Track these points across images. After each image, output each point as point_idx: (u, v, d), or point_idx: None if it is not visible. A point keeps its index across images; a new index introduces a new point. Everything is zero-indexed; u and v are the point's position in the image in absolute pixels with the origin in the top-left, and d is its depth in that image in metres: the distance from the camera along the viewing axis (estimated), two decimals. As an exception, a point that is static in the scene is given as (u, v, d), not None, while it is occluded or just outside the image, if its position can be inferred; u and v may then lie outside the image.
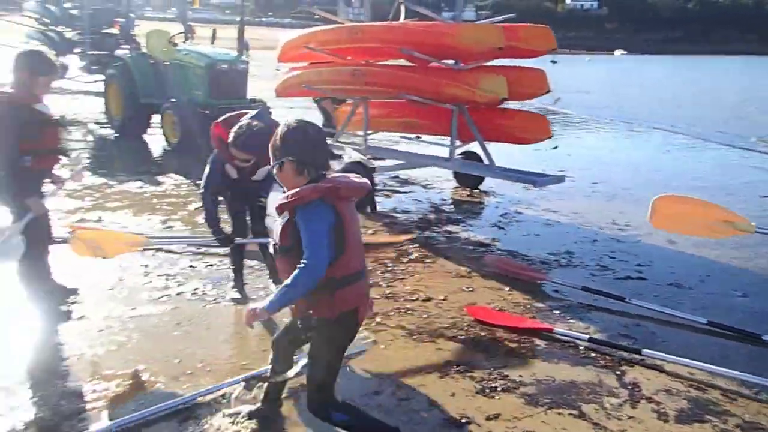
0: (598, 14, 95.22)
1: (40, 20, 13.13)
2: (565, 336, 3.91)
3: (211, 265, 4.95)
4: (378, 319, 4.07)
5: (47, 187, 4.13)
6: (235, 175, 4.10)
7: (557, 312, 4.31)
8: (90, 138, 10.80)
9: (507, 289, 4.68)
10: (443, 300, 4.45)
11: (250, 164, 4.05)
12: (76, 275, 4.54)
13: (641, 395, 3.30)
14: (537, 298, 4.53)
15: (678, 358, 3.59)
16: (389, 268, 5.01)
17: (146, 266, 4.89)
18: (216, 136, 4.04)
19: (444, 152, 7.30)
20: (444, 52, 6.14)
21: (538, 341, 3.87)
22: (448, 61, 6.50)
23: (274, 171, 2.56)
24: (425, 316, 4.18)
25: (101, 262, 4.84)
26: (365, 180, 2.64)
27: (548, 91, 6.33)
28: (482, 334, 3.94)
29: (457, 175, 7.88)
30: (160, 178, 7.81)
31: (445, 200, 7.35)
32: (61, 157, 4.14)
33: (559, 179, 6.46)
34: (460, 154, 7.52)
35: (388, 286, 4.66)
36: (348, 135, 7.97)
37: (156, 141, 10.43)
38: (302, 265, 2.36)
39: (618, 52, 71.98)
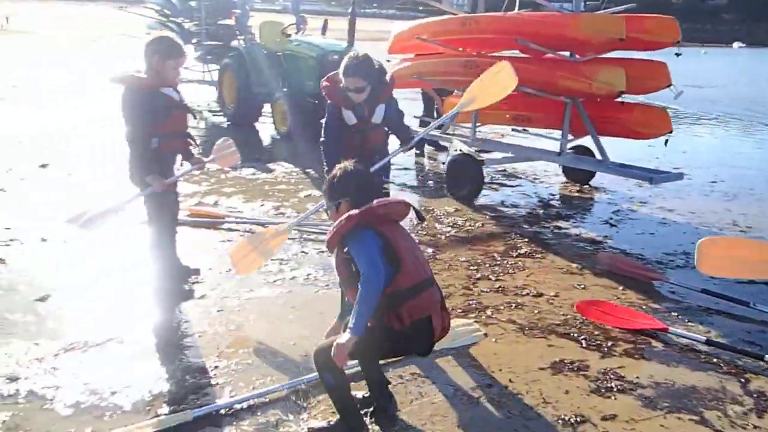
0: (715, 4, 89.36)
1: (161, 12, 13.88)
2: (682, 337, 3.76)
3: (322, 252, 5.10)
4: (488, 312, 4.07)
5: (181, 167, 4.36)
6: (354, 120, 3.86)
7: (675, 314, 4.15)
8: (203, 125, 11.38)
9: (621, 288, 4.54)
10: (554, 296, 4.38)
11: (364, 96, 3.78)
12: (195, 256, 4.81)
13: (768, 405, 3.14)
14: (653, 299, 4.37)
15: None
16: (498, 262, 4.99)
17: (263, 249, 5.12)
18: (325, 86, 3.89)
19: (554, 146, 7.16)
20: (562, 43, 6.00)
21: (654, 342, 3.74)
22: (563, 53, 6.36)
23: (329, 212, 2.80)
24: (536, 311, 4.13)
25: (217, 245, 5.14)
26: (403, 200, 2.80)
27: (670, 85, 6.05)
28: (596, 332, 3.85)
29: (567, 170, 7.69)
30: (271, 166, 8.11)
31: (554, 195, 7.20)
32: (189, 140, 4.36)
33: (678, 176, 6.17)
34: (570, 149, 7.35)
35: (497, 280, 4.64)
36: (454, 127, 7.97)
37: (266, 129, 10.85)
38: (362, 280, 2.50)
39: (736, 44, 67.41)
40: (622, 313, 4.02)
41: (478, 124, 7.47)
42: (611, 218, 6.27)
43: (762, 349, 3.68)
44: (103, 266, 4.64)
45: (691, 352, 3.64)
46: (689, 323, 4.01)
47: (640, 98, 7.54)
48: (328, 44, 9.95)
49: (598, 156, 6.43)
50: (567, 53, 6.36)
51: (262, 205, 6.35)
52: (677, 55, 5.97)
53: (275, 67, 10.35)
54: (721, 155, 9.91)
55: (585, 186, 7.46)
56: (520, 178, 7.88)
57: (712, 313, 4.19)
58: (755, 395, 3.23)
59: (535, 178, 7.85)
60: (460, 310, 4.09)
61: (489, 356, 3.55)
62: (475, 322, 3.93)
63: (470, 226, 5.89)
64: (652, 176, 5.92)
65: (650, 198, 7.01)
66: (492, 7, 7.37)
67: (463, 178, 6.65)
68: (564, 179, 7.75)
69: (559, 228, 5.94)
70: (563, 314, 4.09)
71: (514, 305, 4.21)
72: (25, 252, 4.87)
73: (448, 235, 5.62)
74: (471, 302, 4.22)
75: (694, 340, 3.72)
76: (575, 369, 3.43)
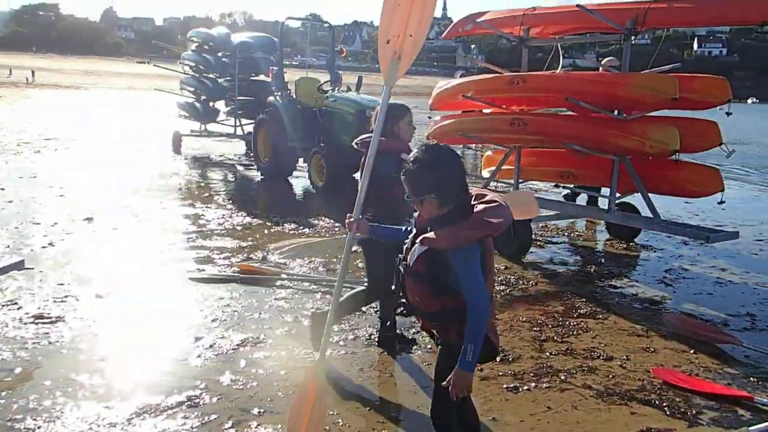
0: (728, 61, 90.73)
1: (196, 68, 14.24)
2: (769, 407, 3.63)
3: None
4: (562, 377, 3.97)
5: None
6: None
7: (754, 379, 4.01)
8: (234, 177, 11.49)
9: (692, 351, 4.43)
10: (626, 359, 4.27)
11: None
12: (255, 316, 4.76)
13: None
14: (728, 363, 4.25)
15: None
16: (560, 322, 4.89)
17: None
18: (381, 142, 3.39)
19: (601, 203, 7.17)
20: (613, 102, 6.04)
21: (741, 410, 3.61)
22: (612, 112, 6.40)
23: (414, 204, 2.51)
24: (611, 376, 4.02)
25: (273, 303, 5.09)
26: (505, 206, 2.44)
27: (721, 144, 6.05)
28: (677, 399, 3.73)
29: (611, 227, 7.64)
30: (312, 220, 8.13)
31: (601, 252, 7.14)
32: None
33: (733, 235, 6.09)
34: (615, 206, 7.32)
35: (563, 341, 4.54)
36: (495, 183, 7.98)
37: (300, 183, 10.95)
38: (471, 309, 2.34)
39: (750, 100, 68.04)
40: (703, 383, 3.90)
41: (520, 180, 7.50)
42: (665, 277, 6.18)
43: None
44: (159, 323, 4.61)
45: (782, 422, 3.51)
46: (772, 390, 3.89)
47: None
48: (365, 99, 10.12)
49: (646, 213, 6.38)
50: (615, 112, 6.40)
51: (310, 262, 6.32)
52: (728, 114, 5.99)
53: (312, 122, 10.52)
54: (761, 212, 9.85)
55: (631, 243, 7.39)
56: (564, 235, 7.83)
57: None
58: None
59: (579, 236, 7.80)
60: (531, 374, 3.99)
61: (572, 424, 3.44)
62: (550, 387, 3.83)
63: (524, 284, 5.81)
64: (709, 235, 5.85)
65: (699, 256, 6.93)
66: (499, 63, 7.51)
67: (511, 236, 6.61)
68: (608, 236, 7.69)
69: (615, 287, 5.85)
70: (639, 379, 3.98)
71: (586, 369, 4.10)
72: (81, 309, 4.85)
73: (503, 293, 5.54)
74: (542, 366, 4.12)
75: (785, 409, 3.60)
76: (664, 440, 3.31)
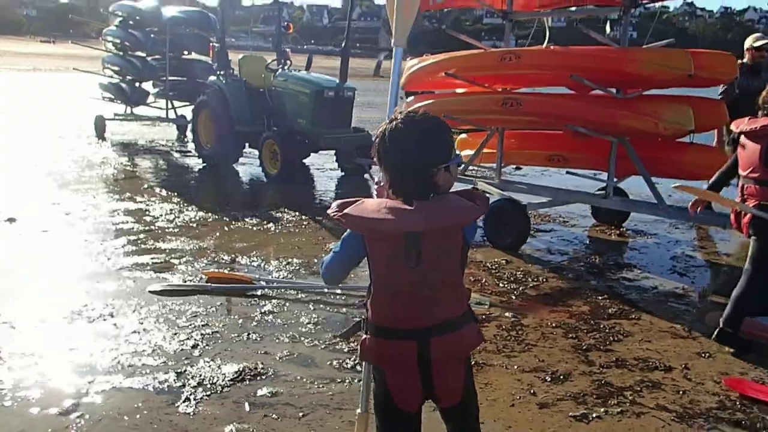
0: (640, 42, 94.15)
1: (121, 45, 12.83)
2: None
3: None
4: (629, 396, 3.40)
5: None
6: None
7: (830, 387, 3.59)
8: (170, 166, 10.37)
9: (754, 354, 3.97)
10: (686, 369, 3.76)
11: None
12: (252, 347, 3.94)
13: None
14: (790, 368, 3.82)
15: None
16: (594, 326, 4.34)
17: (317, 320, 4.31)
18: None
19: (589, 187, 6.72)
20: (621, 80, 5.52)
21: (841, 428, 3.16)
22: (611, 90, 5.89)
23: (443, 171, 1.87)
24: (681, 392, 3.48)
25: (261, 319, 4.30)
26: None
27: (729, 122, 5.66)
28: (763, 416, 3.24)
29: (599, 213, 7.20)
30: (274, 213, 7.27)
31: (596, 241, 6.67)
32: None
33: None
34: (598, 190, 6.89)
35: (607, 350, 3.98)
36: (477, 168, 7.40)
37: (249, 171, 9.99)
38: None
39: None
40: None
41: (503, 165, 6.93)
42: (674, 266, 5.76)
43: None
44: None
45: None
46: None
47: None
48: (321, 79, 9.27)
49: (654, 199, 5.93)
50: (614, 90, 5.90)
51: (287, 263, 5.51)
52: (736, 91, 5.62)
53: (260, 104, 9.57)
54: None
55: (627, 230, 6.96)
56: (550, 221, 7.32)
57: None
58: None
59: (565, 222, 7.32)
60: (594, 396, 3.40)
61: (667, 461, 2.87)
62: (623, 412, 3.25)
63: (533, 281, 5.24)
64: (725, 222, 5.46)
65: (697, 242, 6.58)
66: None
67: (507, 226, 6.03)
68: (593, 222, 7.25)
69: (629, 280, 5.37)
70: (713, 393, 3.47)
71: (650, 385, 3.55)
72: (17, 343, 3.88)
73: (517, 293, 4.95)
74: (600, 383, 3.54)
75: None
76: (783, 474, 2.80)
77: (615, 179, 6.14)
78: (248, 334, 4.06)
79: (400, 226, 1.79)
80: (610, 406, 3.31)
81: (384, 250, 1.86)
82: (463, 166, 7.22)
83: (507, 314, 4.52)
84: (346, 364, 3.70)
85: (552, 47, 6.06)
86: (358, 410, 2.49)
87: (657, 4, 6.38)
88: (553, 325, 4.36)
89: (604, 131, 5.65)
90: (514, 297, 4.87)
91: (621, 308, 4.69)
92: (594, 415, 3.21)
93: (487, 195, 2.13)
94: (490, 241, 6.19)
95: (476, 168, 7.63)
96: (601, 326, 4.35)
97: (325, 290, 4.87)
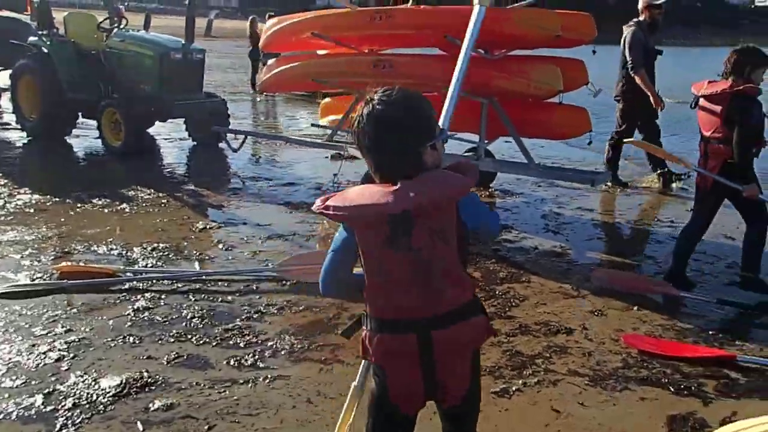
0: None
1: None
2: (754, 363, 3.45)
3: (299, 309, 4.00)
4: (541, 365, 3.39)
5: None
6: None
7: (712, 332, 3.83)
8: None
9: (635, 308, 4.15)
10: (585, 329, 3.84)
11: None
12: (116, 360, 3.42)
13: None
14: (676, 317, 4.04)
15: None
16: (490, 293, 4.31)
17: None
18: None
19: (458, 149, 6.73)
20: (496, 40, 5.47)
21: (732, 373, 3.37)
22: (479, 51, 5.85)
23: (429, 149, 1.73)
24: (586, 354, 3.54)
25: (135, 319, 3.78)
26: None
27: (587, 83, 5.88)
28: (668, 371, 3.37)
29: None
30: (125, 192, 6.50)
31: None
32: None
33: (607, 175, 6.04)
34: (466, 152, 6.94)
35: (508, 317, 3.97)
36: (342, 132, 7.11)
37: (84, 144, 8.90)
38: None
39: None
40: (679, 347, 3.62)
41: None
42: (547, 224, 5.92)
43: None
44: None
45: (773, 379, 3.34)
46: (738, 342, 3.73)
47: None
48: (165, 39, 8.40)
49: (525, 159, 6.05)
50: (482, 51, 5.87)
51: (153, 249, 4.92)
52: (594, 52, 5.83)
53: (94, 69, 8.49)
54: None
55: (496, 191, 7.08)
56: None
57: (751, 327, 3.98)
58: None
59: (435, 185, 7.30)
60: (509, 368, 3.34)
61: (597, 429, 2.88)
62: (539, 382, 3.23)
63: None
64: (593, 178, 5.71)
65: (560, 199, 6.81)
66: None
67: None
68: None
69: (510, 242, 5.42)
70: (616, 352, 3.56)
71: (557, 350, 3.56)
72: None
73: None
74: (511, 353, 3.50)
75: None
76: (698, 427, 2.91)
77: (485, 141, 6.17)
78: (124, 338, 3.54)
79: (384, 208, 1.66)
80: (526, 377, 3.28)
81: (373, 238, 1.72)
82: (331, 132, 6.95)
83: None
84: (246, 360, 3.34)
85: (422, 6, 5.88)
86: (354, 383, 2.19)
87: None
88: (452, 295, 4.26)
89: (479, 93, 5.61)
90: (405, 268, 4.72)
91: (510, 272, 4.72)
92: (514, 389, 3.16)
93: (469, 161, 2.00)
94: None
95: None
96: (497, 292, 4.34)
97: (204, 277, 4.40)
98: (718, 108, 4.01)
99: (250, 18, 16.83)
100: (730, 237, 5.39)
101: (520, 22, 5.28)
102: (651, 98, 6.60)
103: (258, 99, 14.85)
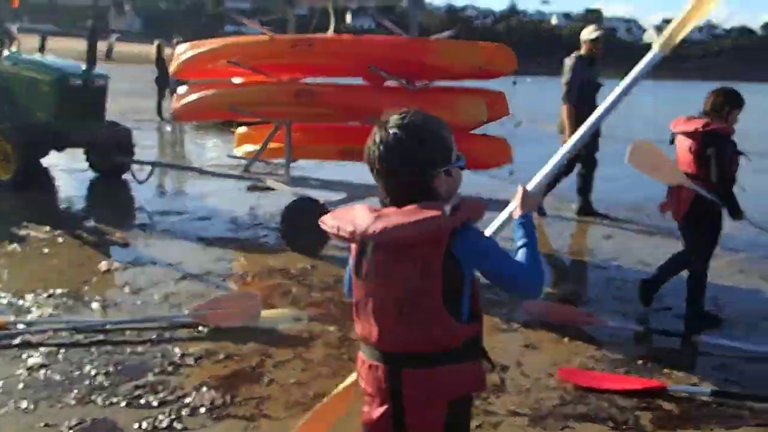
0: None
1: None
2: (684, 392, 3.46)
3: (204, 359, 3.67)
4: (477, 404, 3.24)
5: None
6: None
7: (641, 362, 3.84)
8: None
9: (567, 340, 4.11)
10: (519, 365, 3.74)
11: None
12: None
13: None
14: (607, 348, 4.01)
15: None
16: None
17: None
18: None
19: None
20: (420, 71, 5.41)
21: (667, 404, 3.35)
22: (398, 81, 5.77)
23: (443, 175, 1.70)
24: (523, 391, 3.44)
25: (28, 380, 3.36)
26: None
27: (509, 114, 5.93)
28: (605, 405, 3.32)
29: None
30: (18, 230, 5.92)
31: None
32: None
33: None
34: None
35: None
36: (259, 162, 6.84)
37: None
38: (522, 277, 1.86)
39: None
40: (612, 379, 3.59)
41: (292, 160, 6.49)
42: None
43: (742, 384, 3.57)
44: None
45: (705, 408, 3.34)
46: (666, 370, 3.74)
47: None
48: (64, 65, 7.85)
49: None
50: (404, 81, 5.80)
51: (49, 296, 4.45)
52: (514, 83, 5.89)
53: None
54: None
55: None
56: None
57: (673, 354, 3.99)
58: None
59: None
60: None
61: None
62: (481, 426, 3.08)
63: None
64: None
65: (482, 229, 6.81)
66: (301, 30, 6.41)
67: (306, 227, 5.60)
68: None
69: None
70: (552, 388, 3.48)
71: (494, 389, 3.42)
72: None
73: (334, 302, 4.58)
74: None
75: (698, 393, 3.45)
76: (641, 465, 2.84)
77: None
78: (16, 402, 3.11)
79: (347, 232, 1.66)
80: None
81: (351, 258, 1.75)
82: (247, 162, 6.66)
83: (330, 329, 4.14)
84: (161, 422, 3.00)
85: (344, 36, 5.76)
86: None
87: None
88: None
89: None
90: (332, 307, 4.50)
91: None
92: (455, 436, 2.99)
93: (480, 200, 1.90)
94: (289, 245, 5.73)
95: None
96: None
97: (108, 326, 4.00)
98: (693, 145, 4.12)
99: (157, 42, 16.25)
100: (646, 263, 5.52)
101: (446, 54, 5.25)
102: (567, 132, 6.77)
103: (166, 127, 14.26)
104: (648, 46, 2.41)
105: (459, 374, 1.67)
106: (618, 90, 1.89)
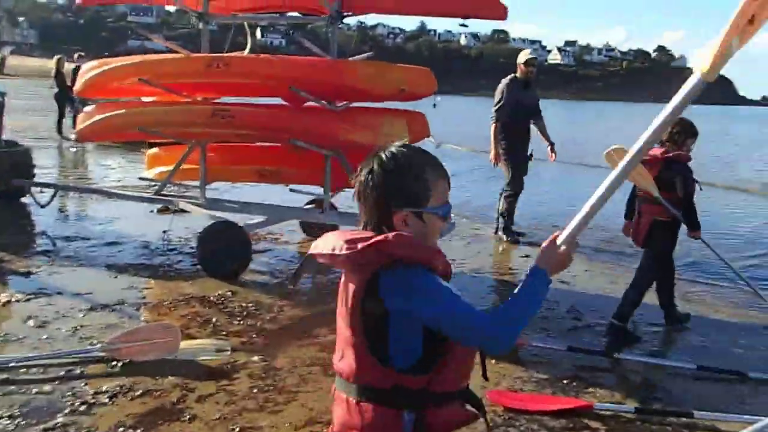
0: (288, 50, 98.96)
1: None
2: (609, 410, 3.56)
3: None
4: None
5: None
6: None
7: (566, 381, 3.92)
8: None
9: (493, 361, 4.14)
10: (450, 389, 3.73)
11: None
12: None
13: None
14: (533, 368, 4.08)
15: (730, 416, 3.51)
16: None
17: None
18: None
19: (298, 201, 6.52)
20: (341, 93, 5.37)
21: (594, 423, 3.43)
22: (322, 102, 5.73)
23: (412, 216, 1.62)
24: (456, 416, 3.42)
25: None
26: None
27: (429, 135, 6.00)
28: (534, 426, 3.35)
29: (309, 228, 7.03)
30: None
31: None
32: None
33: (452, 225, 6.12)
34: (306, 203, 6.77)
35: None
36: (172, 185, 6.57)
37: None
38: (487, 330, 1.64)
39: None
40: (536, 399, 3.64)
41: (207, 183, 6.27)
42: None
43: (663, 401, 3.72)
44: None
45: (630, 425, 3.44)
46: (589, 389, 3.84)
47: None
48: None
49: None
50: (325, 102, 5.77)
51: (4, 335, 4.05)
52: (434, 105, 5.98)
53: None
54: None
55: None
56: (260, 240, 6.82)
57: (596, 371, 4.08)
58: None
59: (276, 239, 6.95)
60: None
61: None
62: None
63: (269, 312, 4.77)
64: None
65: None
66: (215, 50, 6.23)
67: (224, 252, 5.42)
68: (304, 236, 7.06)
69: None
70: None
71: (427, 414, 3.42)
72: None
73: (256, 330, 4.43)
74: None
75: (622, 411, 3.55)
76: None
77: (330, 194, 6.02)
78: None
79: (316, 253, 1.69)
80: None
81: None
82: (159, 184, 6.38)
83: (254, 358, 3.98)
84: None
85: (263, 56, 5.66)
86: None
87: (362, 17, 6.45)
88: (308, 362, 3.96)
89: (327, 145, 5.47)
90: (254, 336, 4.34)
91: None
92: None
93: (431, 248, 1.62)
94: (206, 270, 5.50)
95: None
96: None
97: (12, 364, 3.67)
98: (653, 170, 4.36)
99: (57, 57, 15.43)
100: (564, 281, 5.71)
101: (367, 76, 5.26)
102: (492, 152, 6.96)
103: (68, 147, 13.50)
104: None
105: (382, 416, 1.59)
106: (659, 120, 1.53)
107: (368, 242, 1.53)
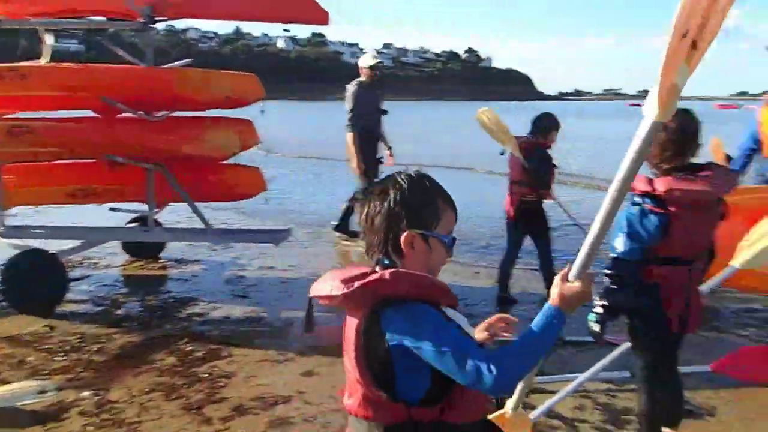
0: (90, 56, 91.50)
1: None
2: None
3: None
4: None
5: None
6: None
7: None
8: None
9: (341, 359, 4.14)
10: (301, 393, 3.66)
11: None
12: None
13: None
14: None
15: (555, 377, 3.77)
16: (192, 377, 3.84)
17: None
18: None
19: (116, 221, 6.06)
20: (164, 102, 5.05)
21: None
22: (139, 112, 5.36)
23: (420, 239, 1.60)
24: (311, 421, 3.36)
25: None
26: None
27: (259, 143, 5.87)
28: None
29: (130, 247, 6.54)
30: None
31: (142, 278, 6.01)
32: None
33: (288, 232, 6.00)
34: (129, 222, 6.33)
35: (219, 400, 3.57)
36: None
37: None
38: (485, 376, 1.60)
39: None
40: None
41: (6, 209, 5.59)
42: (233, 290, 5.61)
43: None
44: None
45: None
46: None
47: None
48: None
49: (203, 224, 5.68)
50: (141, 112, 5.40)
51: None
52: (262, 112, 5.87)
53: None
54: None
55: (161, 261, 6.49)
56: (75, 267, 6.17)
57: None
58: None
59: (95, 263, 6.36)
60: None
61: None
62: None
63: (95, 343, 4.38)
64: (277, 237, 5.66)
65: (240, 261, 6.51)
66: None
67: (35, 284, 4.87)
68: (127, 257, 6.55)
69: (199, 315, 4.98)
70: (338, 410, 3.45)
71: (281, 423, 3.31)
72: None
73: (83, 364, 4.02)
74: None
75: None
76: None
77: (155, 209, 5.65)
78: None
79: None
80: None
81: None
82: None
83: (85, 394, 3.62)
84: None
85: (66, 65, 5.16)
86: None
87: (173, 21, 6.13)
88: (148, 389, 3.69)
89: (147, 159, 5.12)
90: (81, 371, 3.94)
91: (209, 349, 4.31)
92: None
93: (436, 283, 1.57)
94: (14, 307, 4.90)
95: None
96: (200, 374, 3.90)
97: None
98: (516, 161, 5.00)
99: None
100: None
101: (189, 84, 5.01)
102: (354, 161, 6.95)
103: None
104: None
105: None
106: (621, 173, 1.42)
107: (364, 281, 1.50)
